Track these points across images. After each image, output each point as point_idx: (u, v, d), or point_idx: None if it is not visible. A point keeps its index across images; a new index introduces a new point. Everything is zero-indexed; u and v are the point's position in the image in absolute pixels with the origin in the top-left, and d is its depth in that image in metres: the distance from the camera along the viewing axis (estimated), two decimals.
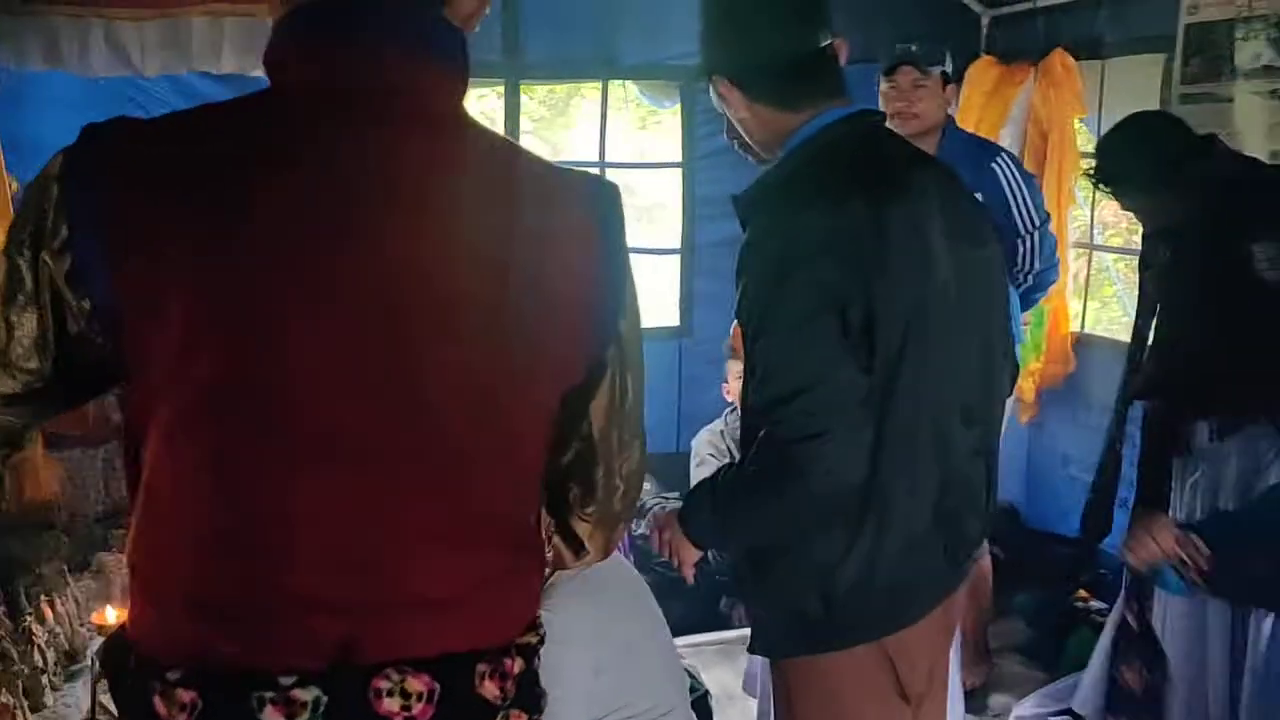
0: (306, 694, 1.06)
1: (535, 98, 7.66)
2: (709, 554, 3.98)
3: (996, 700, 3.46)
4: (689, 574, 1.94)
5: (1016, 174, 3.24)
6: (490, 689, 1.14)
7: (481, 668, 1.13)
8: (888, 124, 1.90)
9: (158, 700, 1.07)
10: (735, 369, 4.11)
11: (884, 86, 3.23)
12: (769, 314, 1.61)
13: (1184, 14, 3.54)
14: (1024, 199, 3.19)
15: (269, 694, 1.05)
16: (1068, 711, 3.28)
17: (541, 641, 1.23)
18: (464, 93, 1.15)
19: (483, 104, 6.77)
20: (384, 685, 1.08)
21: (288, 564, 1.07)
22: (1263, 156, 3.13)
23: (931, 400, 1.69)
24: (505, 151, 1.19)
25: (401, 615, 1.10)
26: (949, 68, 3.26)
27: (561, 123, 8.86)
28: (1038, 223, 3.28)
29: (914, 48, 3.22)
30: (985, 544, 3.19)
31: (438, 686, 1.10)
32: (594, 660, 1.93)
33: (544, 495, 1.27)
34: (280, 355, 1.05)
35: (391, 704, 1.08)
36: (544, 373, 1.16)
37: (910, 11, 4.02)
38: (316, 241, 1.05)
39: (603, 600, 1.97)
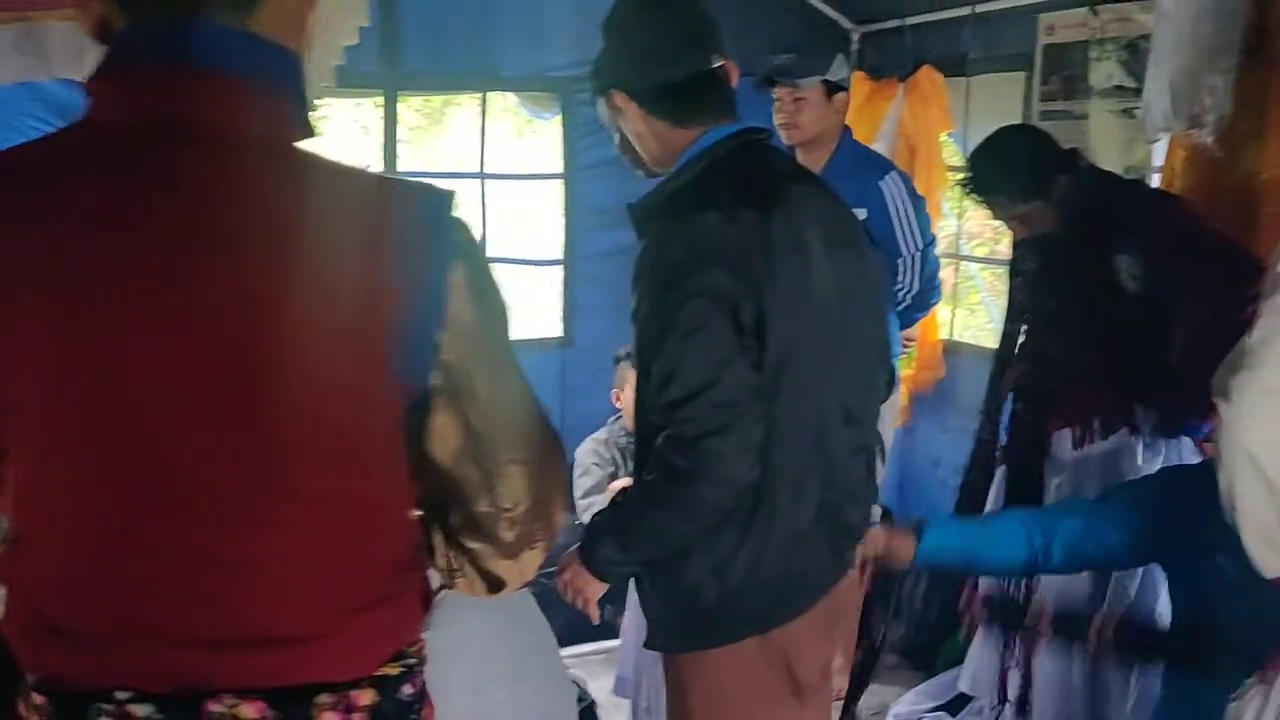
0: (141, 710, 1.08)
1: (410, 107, 7.57)
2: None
3: (874, 699, 3.51)
4: (594, 612, 1.97)
5: (905, 194, 3.29)
6: None
7: (323, 699, 1.13)
8: (780, 135, 1.99)
9: (19, 701, 1.12)
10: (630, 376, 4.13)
11: (775, 99, 3.27)
12: (669, 318, 1.69)
13: (1042, 35, 3.70)
14: (909, 219, 3.24)
15: (107, 707, 1.08)
16: (944, 707, 3.39)
17: (409, 671, 1.22)
18: (289, 113, 1.13)
19: (358, 113, 6.69)
20: (216, 710, 1.09)
21: (139, 595, 1.08)
22: (1117, 171, 3.28)
23: (815, 400, 1.79)
24: (330, 173, 1.15)
25: (249, 650, 1.10)
26: (837, 76, 3.28)
27: (436, 132, 8.79)
28: (920, 245, 3.34)
29: (780, 60, 3.26)
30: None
31: (271, 715, 1.10)
32: (475, 678, 1.94)
33: (434, 525, 1.26)
34: (122, 393, 1.05)
35: None
36: (378, 399, 1.14)
37: (783, 27, 4.10)
38: (147, 279, 1.05)
39: (488, 616, 1.97)
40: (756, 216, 1.73)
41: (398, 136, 4.30)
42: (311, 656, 1.13)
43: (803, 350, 1.76)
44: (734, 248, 1.70)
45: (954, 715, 3.35)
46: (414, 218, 1.14)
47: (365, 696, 1.16)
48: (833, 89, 3.27)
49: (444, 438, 1.19)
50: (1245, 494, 1.43)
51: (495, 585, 1.32)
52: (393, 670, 1.20)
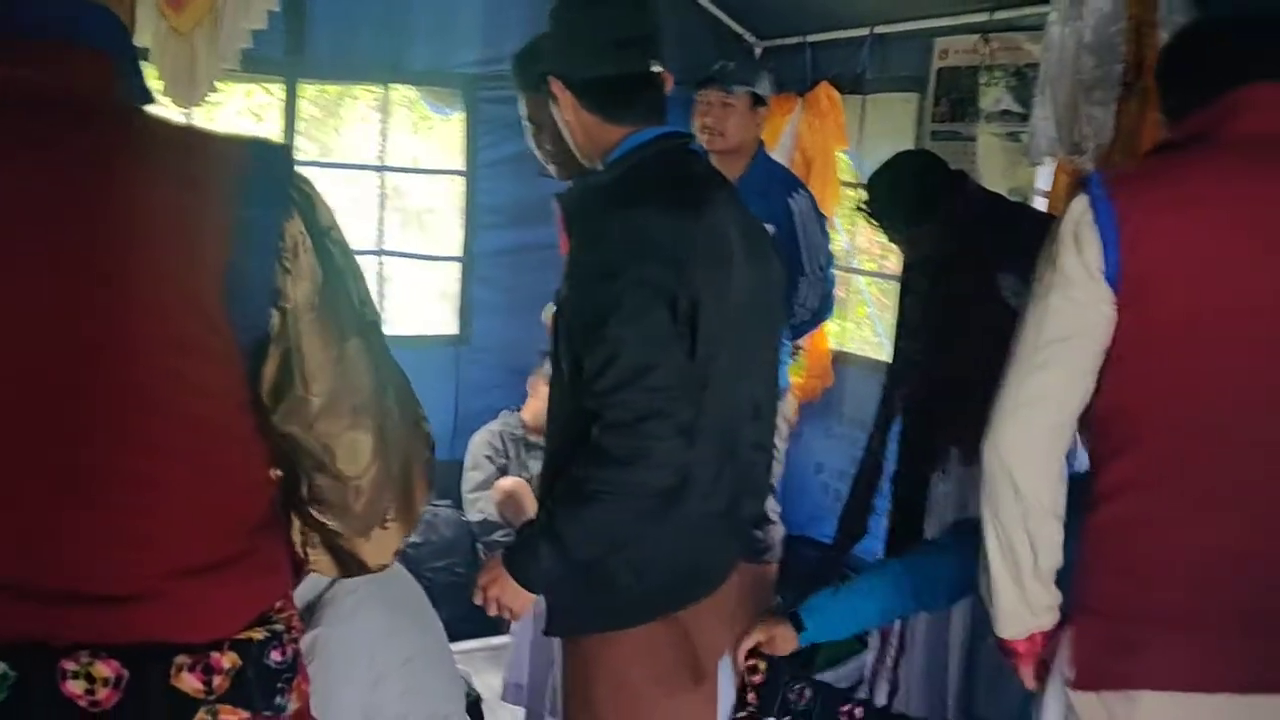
0: None
1: (305, 97, 7.41)
2: (480, 553, 4.02)
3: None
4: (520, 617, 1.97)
5: (811, 213, 3.37)
6: (190, 682, 1.15)
7: (181, 660, 1.14)
8: (698, 140, 2.04)
9: None
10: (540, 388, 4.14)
11: (698, 102, 3.33)
12: (606, 307, 1.72)
13: (936, 59, 3.84)
14: (813, 238, 3.32)
15: None
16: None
17: (275, 637, 1.22)
18: (114, 75, 1.15)
19: (249, 101, 6.53)
20: (71, 667, 1.10)
21: None
22: (1001, 192, 3.41)
23: (732, 394, 1.86)
24: (158, 130, 1.17)
25: (98, 605, 1.11)
26: (763, 91, 3.37)
27: (332, 124, 8.64)
28: (822, 264, 3.43)
29: (726, 65, 3.34)
30: (776, 551, 3.36)
31: (127, 674, 1.11)
32: (373, 674, 1.94)
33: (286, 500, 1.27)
34: None
35: (76, 686, 1.10)
36: (220, 353, 1.15)
37: (691, 40, 4.18)
38: None
39: (384, 613, 1.98)
40: (688, 215, 1.80)
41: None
42: (162, 614, 1.13)
43: (724, 346, 1.82)
44: (669, 242, 1.76)
45: None
46: (247, 171, 1.15)
47: (227, 660, 1.17)
48: (757, 101, 3.37)
49: (275, 392, 1.19)
50: (1004, 504, 1.50)
51: (349, 565, 1.32)
52: (257, 634, 1.20)
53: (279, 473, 1.27)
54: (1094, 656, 1.49)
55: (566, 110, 1.89)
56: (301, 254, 1.16)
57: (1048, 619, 1.55)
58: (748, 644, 2.01)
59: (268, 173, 1.15)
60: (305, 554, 1.30)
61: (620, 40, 1.87)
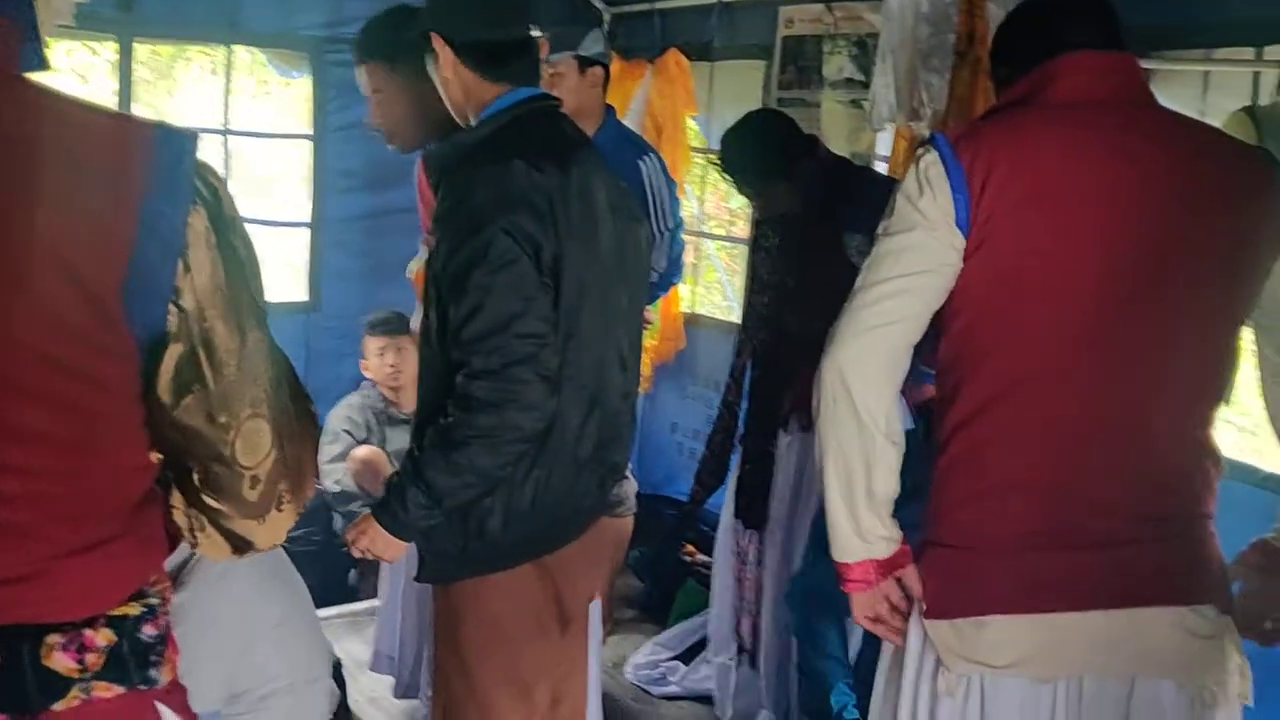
0: None
1: (136, 59, 7.10)
2: (335, 523, 3.99)
3: (614, 651, 3.66)
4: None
5: (660, 176, 3.40)
6: (63, 661, 1.14)
7: (53, 639, 1.13)
8: None
9: None
10: (373, 345, 4.11)
11: None
12: (476, 255, 1.77)
13: (782, 26, 3.95)
14: (662, 201, 3.33)
15: None
16: (679, 657, 3.59)
17: (151, 611, 1.21)
18: (13, 43, 1.11)
19: (71, 60, 6.20)
20: None
21: None
22: (845, 156, 3.55)
23: (598, 343, 1.93)
24: (64, 108, 1.11)
25: None
26: (590, 52, 3.33)
27: (165, 86, 8.32)
28: (671, 226, 3.48)
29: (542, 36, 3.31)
30: (630, 504, 3.42)
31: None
32: (242, 639, 1.92)
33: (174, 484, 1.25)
34: None
35: None
36: (113, 345, 1.12)
37: (542, 6, 4.17)
38: None
39: (253, 577, 1.95)
40: (556, 170, 1.86)
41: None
42: (37, 594, 1.12)
43: (589, 298, 1.89)
44: (537, 194, 1.82)
45: (687, 664, 3.54)
46: (152, 159, 1.11)
47: (102, 637, 1.15)
48: (585, 64, 3.36)
49: (177, 388, 1.17)
50: (844, 426, 1.56)
51: (240, 546, 1.31)
52: (133, 610, 1.19)
53: (160, 456, 1.24)
54: (944, 586, 1.59)
55: (446, 67, 1.94)
56: (205, 249, 1.14)
57: (880, 549, 1.62)
58: None
59: (175, 163, 1.12)
60: (195, 538, 1.29)
61: (502, 3, 1.95)
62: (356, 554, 1.97)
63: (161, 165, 1.11)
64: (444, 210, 1.86)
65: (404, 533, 1.91)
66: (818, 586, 2.64)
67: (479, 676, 1.99)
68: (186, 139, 1.14)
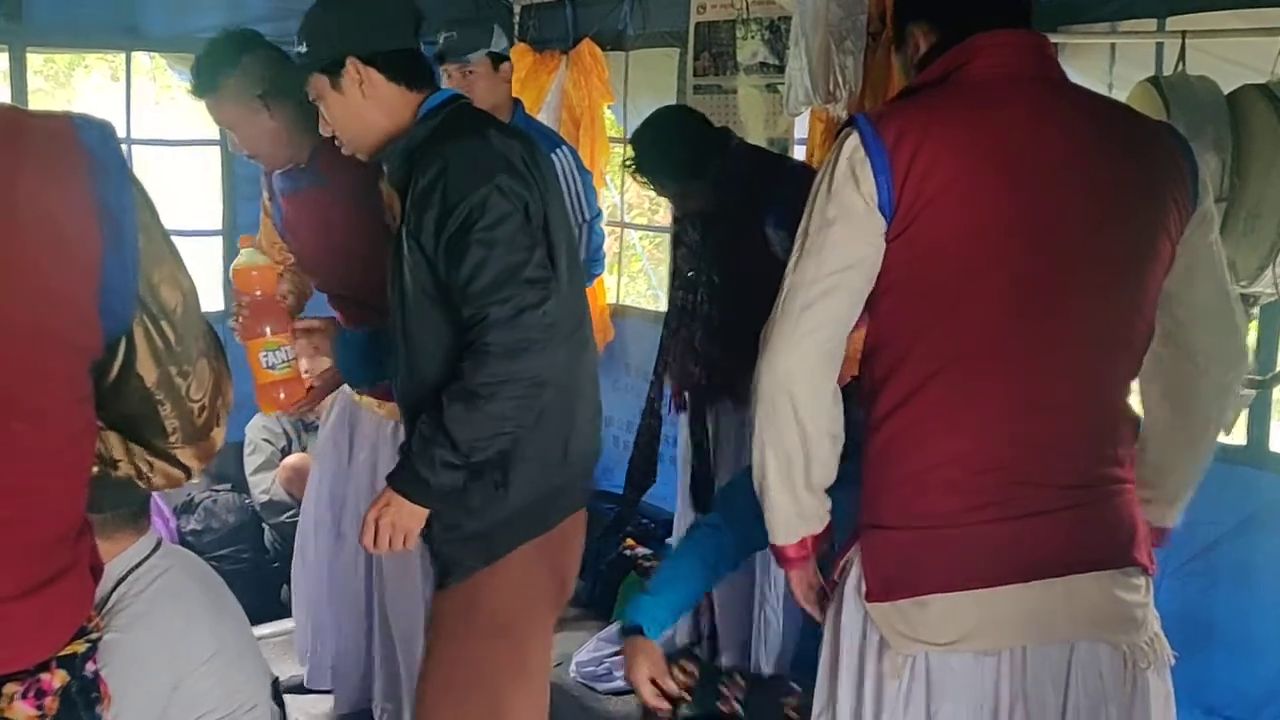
0: None
1: (31, 68, 6.93)
2: (265, 537, 3.91)
3: (557, 649, 3.62)
4: (414, 544, 2.00)
5: (574, 168, 3.39)
6: (23, 710, 1.11)
7: (10, 689, 1.10)
8: None
9: None
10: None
11: (442, 75, 3.27)
12: (473, 215, 1.83)
13: (694, 13, 3.94)
14: (578, 192, 3.34)
15: None
16: (622, 652, 3.57)
17: (93, 646, 1.19)
18: None
19: None
20: None
21: None
22: (761, 142, 3.56)
23: (578, 304, 2.06)
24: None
25: None
26: (499, 47, 3.28)
27: (64, 96, 8.13)
28: (588, 217, 3.47)
29: (445, 39, 3.27)
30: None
31: None
32: (172, 677, 1.86)
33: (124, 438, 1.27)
34: None
35: None
36: (58, 362, 1.11)
37: (448, 4, 4.11)
38: None
39: (178, 611, 1.89)
40: (516, 144, 1.94)
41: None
42: None
43: (565, 258, 1.97)
44: (515, 158, 1.91)
45: None
46: (91, 155, 1.09)
47: (57, 679, 1.13)
48: (497, 59, 3.34)
49: (146, 358, 1.19)
50: (784, 428, 1.57)
51: (185, 473, 1.35)
52: (80, 647, 1.17)
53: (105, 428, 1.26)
54: (884, 568, 1.59)
55: (376, 87, 1.97)
56: (144, 221, 1.14)
57: (817, 524, 1.65)
58: (647, 688, 2.02)
59: (108, 154, 1.10)
60: (147, 478, 1.32)
61: (406, 12, 2.02)
62: (384, 537, 1.94)
63: (100, 158, 1.09)
64: (424, 186, 1.87)
65: (430, 497, 1.92)
66: None
67: (489, 665, 2.03)
68: (106, 126, 1.12)
